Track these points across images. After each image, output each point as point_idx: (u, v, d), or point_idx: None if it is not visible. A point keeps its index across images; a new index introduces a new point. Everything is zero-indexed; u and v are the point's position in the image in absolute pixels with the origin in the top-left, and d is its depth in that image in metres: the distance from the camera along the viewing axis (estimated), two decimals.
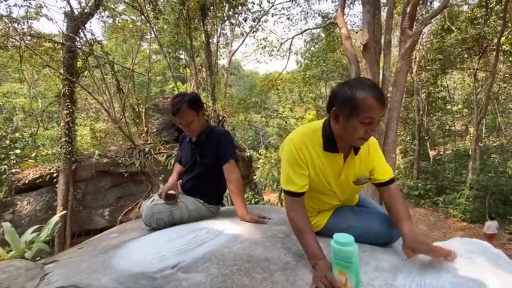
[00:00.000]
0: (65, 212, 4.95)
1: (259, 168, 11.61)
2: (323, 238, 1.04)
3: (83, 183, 6.20)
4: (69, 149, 5.81)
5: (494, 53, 9.47)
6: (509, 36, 9.52)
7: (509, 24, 9.13)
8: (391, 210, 1.11)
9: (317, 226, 1.20)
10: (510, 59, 10.99)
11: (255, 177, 9.96)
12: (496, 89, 11.86)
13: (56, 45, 6.57)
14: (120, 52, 11.70)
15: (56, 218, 1.69)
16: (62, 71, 5.97)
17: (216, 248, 1.15)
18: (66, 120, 5.88)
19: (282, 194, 1.25)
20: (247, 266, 1.00)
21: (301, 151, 1.06)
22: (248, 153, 9.30)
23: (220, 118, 7.62)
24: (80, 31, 6.12)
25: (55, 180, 5.76)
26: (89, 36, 6.25)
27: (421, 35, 10.89)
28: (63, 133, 5.88)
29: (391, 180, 1.15)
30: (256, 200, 5.50)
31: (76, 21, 5.96)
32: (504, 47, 9.61)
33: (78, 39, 6.17)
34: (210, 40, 7.44)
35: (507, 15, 8.54)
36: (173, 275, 0.98)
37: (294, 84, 14.42)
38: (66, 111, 5.88)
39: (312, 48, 12.21)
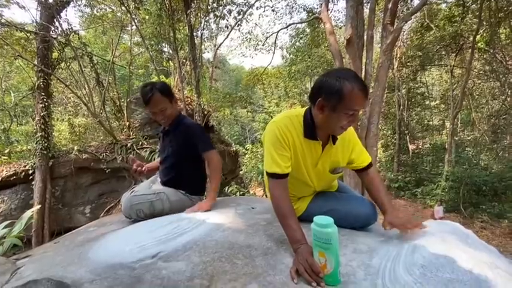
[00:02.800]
0: (39, 206, 4.74)
1: (245, 163, 11.62)
2: (304, 223, 1.06)
3: (61, 180, 5.97)
4: (46, 144, 5.55)
5: (470, 50, 9.90)
6: (484, 34, 9.97)
7: (484, 23, 9.55)
8: (371, 191, 1.18)
9: (298, 211, 1.21)
10: (484, 56, 11.53)
11: (241, 171, 9.97)
12: (471, 85, 12.43)
13: (29, 34, 6.20)
14: (99, 44, 11.21)
15: (29, 213, 1.61)
16: (36, 63, 5.66)
17: (198, 237, 1.14)
18: (42, 114, 5.60)
19: (266, 186, 1.25)
20: (229, 253, 1.00)
21: (284, 133, 1.07)
22: (234, 148, 9.27)
23: (206, 112, 7.52)
24: (54, 20, 5.80)
25: (31, 177, 5.50)
26: (64, 26, 5.95)
27: (402, 32, 11.19)
28: (38, 128, 5.61)
29: (369, 165, 1.22)
30: (242, 192, 5.51)
31: (50, 10, 5.64)
32: (479, 44, 10.06)
33: (53, 28, 5.86)
34: (194, 33, 7.27)
35: (482, 14, 8.92)
36: (153, 264, 0.97)
37: (279, 79, 14.44)
38: (41, 105, 5.59)
39: (297, 43, 12.25)
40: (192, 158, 1.65)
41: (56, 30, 5.92)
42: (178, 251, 1.04)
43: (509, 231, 7.87)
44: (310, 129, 1.08)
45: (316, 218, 0.83)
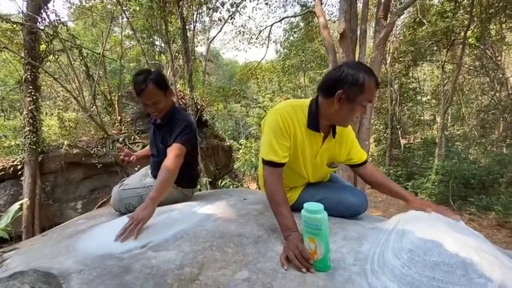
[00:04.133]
0: (26, 199, 4.66)
1: (239, 158, 11.60)
2: (295, 213, 1.06)
3: (51, 175, 5.86)
4: (35, 139, 5.44)
5: (461, 46, 10.02)
6: (475, 30, 10.08)
7: (475, 19, 9.65)
8: (377, 182, 1.21)
9: (289, 201, 1.21)
10: (475, 52, 11.69)
11: (235, 166, 9.97)
12: (462, 81, 12.62)
13: (15, 26, 6.00)
14: (89, 37, 10.92)
15: (16, 206, 1.57)
16: (23, 55, 5.50)
17: (188, 227, 1.13)
18: (30, 108, 5.46)
19: (260, 177, 1.24)
20: (220, 242, 1.00)
21: (287, 122, 1.07)
22: (228, 143, 9.25)
23: (199, 107, 7.46)
24: (42, 11, 5.63)
25: (20, 172, 5.39)
26: (52, 17, 5.78)
27: (395, 27, 11.24)
28: (26, 122, 5.48)
29: (366, 161, 1.25)
30: (235, 186, 5.54)
31: (37, 0, 5.47)
32: (470, 40, 10.18)
33: (40, 20, 5.68)
34: (187, 26, 7.15)
35: (473, 9, 9.01)
36: (142, 254, 0.96)
37: (273, 74, 14.38)
38: (29, 99, 5.45)
39: (291, 38, 12.18)
40: (186, 152, 1.61)
41: (43, 22, 5.75)
42: (168, 240, 1.03)
43: (496, 223, 8.11)
44: (315, 121, 1.09)
45: (306, 205, 0.83)
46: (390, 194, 1.19)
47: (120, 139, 6.28)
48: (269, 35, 9.91)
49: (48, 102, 9.45)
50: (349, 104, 1.01)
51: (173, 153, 1.38)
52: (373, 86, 0.99)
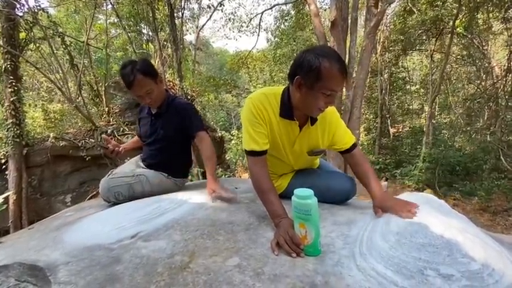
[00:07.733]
0: (11, 192, 4.55)
1: (231, 148, 11.58)
2: (286, 200, 1.06)
3: (38, 168, 5.72)
4: (18, 131, 5.26)
5: (449, 35, 10.11)
6: (463, 19, 10.17)
7: (464, 8, 9.72)
8: (358, 173, 1.13)
9: (279, 188, 1.22)
10: (462, 41, 11.84)
11: (227, 157, 9.96)
12: (449, 70, 12.81)
13: None
14: (72, 24, 10.45)
15: None
16: (1, 43, 5.23)
17: (179, 216, 1.13)
18: (12, 99, 5.26)
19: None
20: (211, 230, 1.00)
21: (260, 110, 1.05)
22: (220, 134, 9.19)
23: (189, 97, 7.33)
24: None
25: (4, 166, 5.24)
26: (31, 2, 5.51)
27: (386, 16, 11.21)
28: (9, 114, 5.28)
29: (353, 146, 1.17)
30: (228, 175, 5.55)
31: None
32: (458, 29, 10.28)
33: (18, 6, 5.40)
34: (175, 13, 6.93)
35: None
36: (132, 244, 0.95)
37: (264, 63, 14.23)
38: (10, 90, 5.24)
39: (282, 26, 12.01)
40: (183, 140, 1.61)
41: (22, 8, 5.46)
42: (159, 230, 1.02)
43: (478, 208, 8.46)
44: (287, 109, 1.05)
45: (296, 191, 0.83)
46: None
47: (109, 131, 6.14)
48: (260, 23, 9.77)
49: (31, 93, 9.10)
50: (308, 91, 0.95)
51: (207, 140, 1.53)
52: (334, 74, 0.90)
